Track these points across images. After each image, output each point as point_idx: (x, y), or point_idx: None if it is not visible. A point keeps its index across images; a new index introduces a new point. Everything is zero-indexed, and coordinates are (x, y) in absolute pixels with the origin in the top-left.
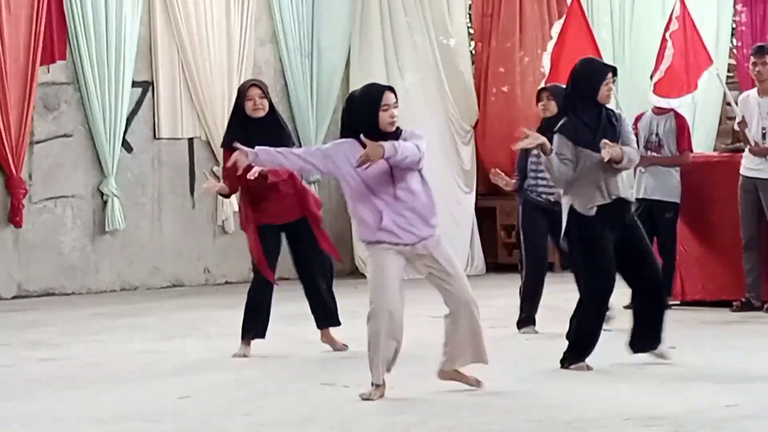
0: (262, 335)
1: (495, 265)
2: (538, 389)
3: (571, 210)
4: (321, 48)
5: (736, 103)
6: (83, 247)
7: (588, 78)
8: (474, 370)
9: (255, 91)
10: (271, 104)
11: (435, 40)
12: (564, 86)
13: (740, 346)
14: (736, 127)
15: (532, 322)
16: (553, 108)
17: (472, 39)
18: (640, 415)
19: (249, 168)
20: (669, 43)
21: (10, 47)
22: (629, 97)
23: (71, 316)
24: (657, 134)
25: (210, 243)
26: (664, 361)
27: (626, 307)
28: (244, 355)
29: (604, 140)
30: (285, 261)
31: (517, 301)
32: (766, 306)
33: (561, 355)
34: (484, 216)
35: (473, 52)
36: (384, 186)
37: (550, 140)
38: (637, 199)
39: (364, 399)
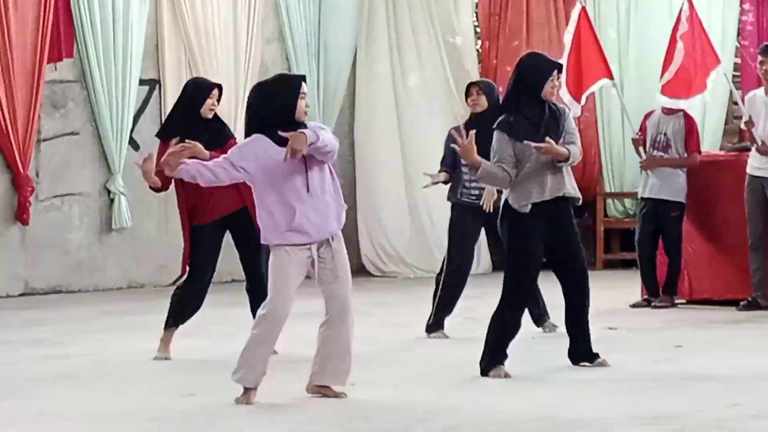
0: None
1: (501, 264)
2: (539, 388)
3: (506, 203)
4: (327, 47)
5: (743, 102)
6: (90, 245)
7: (534, 73)
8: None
9: (217, 93)
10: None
11: (441, 38)
12: (493, 82)
13: (746, 345)
14: (742, 126)
15: (442, 326)
16: (483, 103)
17: (478, 38)
18: (645, 414)
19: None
20: (680, 45)
21: (17, 45)
22: (636, 94)
23: (78, 314)
24: (665, 134)
25: None
26: (602, 366)
27: (632, 306)
28: (166, 358)
29: (547, 138)
30: None
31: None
32: None
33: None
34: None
35: (480, 50)
36: (297, 182)
37: (480, 135)
38: (642, 199)
39: (239, 404)
